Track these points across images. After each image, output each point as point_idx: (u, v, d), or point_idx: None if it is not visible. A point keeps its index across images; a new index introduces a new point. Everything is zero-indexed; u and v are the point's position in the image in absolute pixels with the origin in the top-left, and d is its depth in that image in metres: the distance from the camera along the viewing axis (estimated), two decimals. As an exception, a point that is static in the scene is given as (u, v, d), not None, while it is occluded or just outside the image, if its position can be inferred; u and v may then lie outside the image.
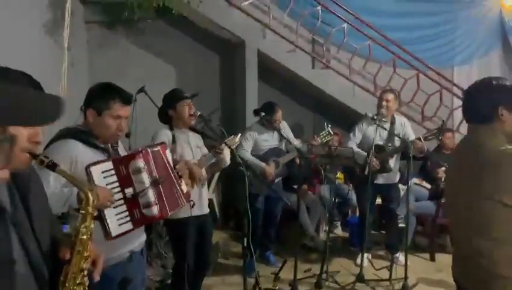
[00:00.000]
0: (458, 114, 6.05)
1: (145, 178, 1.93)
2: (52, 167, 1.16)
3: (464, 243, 1.72)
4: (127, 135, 3.51)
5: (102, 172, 1.87)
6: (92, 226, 1.22)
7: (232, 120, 5.60)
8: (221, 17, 5.21)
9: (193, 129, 3.06)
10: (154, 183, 1.96)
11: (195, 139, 3.13)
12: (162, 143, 2.36)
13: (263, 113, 3.96)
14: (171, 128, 3.01)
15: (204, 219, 3.05)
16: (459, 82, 6.19)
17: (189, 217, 2.75)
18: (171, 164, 2.28)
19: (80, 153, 1.87)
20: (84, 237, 1.19)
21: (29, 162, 1.14)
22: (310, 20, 5.81)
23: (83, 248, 1.19)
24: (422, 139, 3.67)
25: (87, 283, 1.22)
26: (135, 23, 5.33)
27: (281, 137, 4.07)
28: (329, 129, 4.05)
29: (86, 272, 1.21)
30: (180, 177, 2.41)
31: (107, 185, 1.86)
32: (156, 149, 2.12)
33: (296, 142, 4.09)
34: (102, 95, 1.93)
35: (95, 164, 1.84)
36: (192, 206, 2.79)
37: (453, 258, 1.86)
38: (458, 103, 6.01)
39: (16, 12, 3.70)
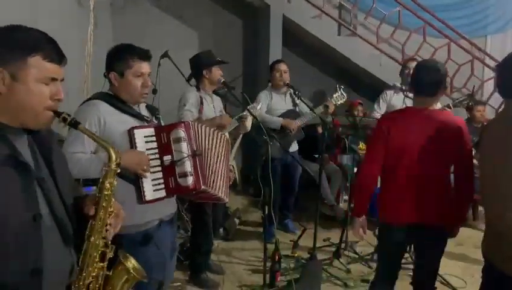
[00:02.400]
0: (489, 86, 5.84)
1: (184, 148, 1.95)
2: (75, 124, 1.17)
3: (499, 219, 1.68)
4: (154, 91, 3.50)
5: (145, 136, 1.91)
6: (115, 182, 1.24)
7: (255, 87, 5.52)
8: (245, -20, 5.06)
9: (216, 93, 3.08)
10: (193, 154, 1.98)
11: (218, 103, 3.25)
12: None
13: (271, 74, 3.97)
14: (198, 89, 3.12)
15: None
16: (492, 52, 5.92)
17: None
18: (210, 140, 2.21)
19: (108, 114, 1.87)
20: (108, 192, 1.22)
21: (52, 120, 1.16)
22: (338, -16, 5.60)
23: (107, 204, 1.22)
24: (451, 106, 3.55)
25: (110, 238, 1.26)
26: (158, -15, 5.24)
27: (294, 100, 4.01)
28: (342, 91, 3.94)
29: (109, 227, 1.24)
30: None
31: (147, 149, 1.90)
32: (196, 123, 2.14)
33: (306, 109, 4.00)
34: (121, 56, 1.92)
35: (138, 127, 1.89)
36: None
37: (485, 234, 1.82)
38: (490, 74, 5.78)
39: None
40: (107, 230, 1.23)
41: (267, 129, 2.73)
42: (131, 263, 1.29)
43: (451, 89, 5.70)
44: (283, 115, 3.99)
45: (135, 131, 1.87)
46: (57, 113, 1.14)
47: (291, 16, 5.15)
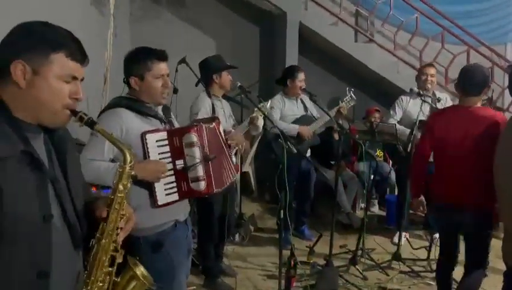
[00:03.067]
0: (510, 93, 5.73)
1: (197, 153, 1.94)
2: (91, 124, 1.15)
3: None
4: (175, 91, 3.52)
5: (157, 141, 1.90)
6: (129, 185, 1.23)
7: (271, 94, 5.54)
8: (262, -12, 5.12)
9: (227, 97, 3.10)
10: (205, 159, 1.97)
11: (228, 108, 3.25)
12: (216, 119, 2.37)
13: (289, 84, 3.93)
14: (209, 95, 3.10)
15: (230, 185, 3.14)
16: (512, 59, 5.83)
17: None
18: (224, 140, 2.28)
19: (129, 121, 1.87)
20: (122, 194, 1.20)
21: (69, 119, 1.15)
22: (354, -8, 5.60)
23: (120, 206, 1.20)
24: None
25: (120, 242, 1.23)
26: (177, -5, 5.34)
27: (305, 106, 4.01)
28: (352, 94, 3.92)
29: (119, 231, 1.22)
30: (231, 148, 2.42)
31: (159, 154, 1.90)
32: (211, 126, 2.12)
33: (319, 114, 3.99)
34: (139, 59, 1.93)
35: (151, 132, 1.87)
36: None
37: (504, 239, 1.79)
38: (511, 81, 5.67)
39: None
40: (117, 234, 1.21)
41: (282, 132, 2.72)
42: (140, 270, 1.27)
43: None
44: (297, 121, 3.97)
45: (147, 136, 1.86)
46: (74, 112, 1.13)
47: (307, 23, 5.18)
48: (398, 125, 3.73)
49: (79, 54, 1.12)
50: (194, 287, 3.18)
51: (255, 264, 3.66)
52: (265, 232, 4.42)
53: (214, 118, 2.30)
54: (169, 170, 1.91)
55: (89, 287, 1.17)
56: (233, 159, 2.36)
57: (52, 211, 1.10)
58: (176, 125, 2.14)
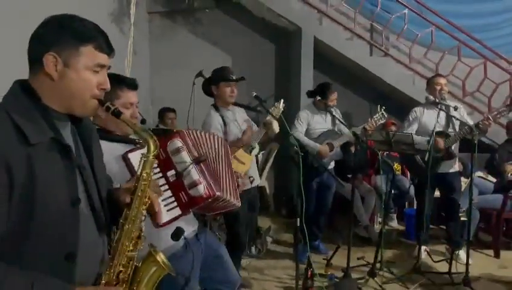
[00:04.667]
0: (530, 105, 5.63)
1: (185, 157, 1.83)
2: (118, 114, 1.20)
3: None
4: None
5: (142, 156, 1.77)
6: (152, 173, 1.26)
7: (287, 108, 5.59)
8: (278, 5, 5.21)
9: (237, 104, 3.09)
10: (196, 161, 1.85)
11: (241, 113, 3.20)
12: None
13: (318, 97, 3.93)
14: (216, 109, 3.09)
15: (254, 192, 3.20)
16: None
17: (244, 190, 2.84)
18: (217, 143, 2.13)
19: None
20: (145, 182, 1.23)
21: (97, 108, 1.20)
22: (368, 7, 5.66)
23: (143, 193, 1.22)
24: (490, 118, 3.44)
25: (143, 228, 1.26)
26: (194, 13, 5.49)
27: (334, 120, 4.01)
28: (383, 112, 3.93)
29: (143, 218, 1.25)
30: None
31: None
32: (193, 130, 2.02)
33: (347, 130, 3.99)
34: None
35: (131, 151, 1.72)
36: (252, 182, 2.88)
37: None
38: (530, 93, 5.59)
39: (85, 2, 3.93)
40: (141, 220, 1.24)
41: (298, 140, 2.73)
42: (161, 256, 1.29)
43: (490, 109, 5.54)
44: (323, 135, 3.99)
45: (129, 155, 1.70)
46: (101, 102, 1.18)
47: (323, 38, 5.24)
48: (415, 136, 3.70)
49: (106, 46, 1.17)
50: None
51: (272, 277, 3.62)
52: (281, 245, 4.39)
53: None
54: (163, 184, 1.78)
55: (112, 270, 1.19)
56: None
57: (80, 195, 1.14)
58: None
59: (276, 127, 3.06)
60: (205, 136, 2.06)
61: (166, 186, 1.79)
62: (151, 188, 1.27)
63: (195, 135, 1.99)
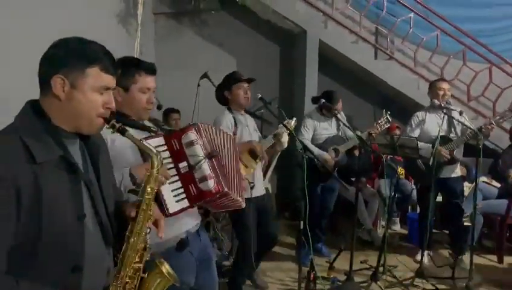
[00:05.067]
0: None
1: (199, 150, 1.83)
2: (122, 131, 1.23)
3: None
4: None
5: (155, 147, 1.69)
6: (156, 188, 1.29)
7: (291, 111, 5.59)
8: (284, 7, 5.23)
9: (248, 112, 3.08)
10: (209, 156, 1.86)
11: (252, 122, 3.20)
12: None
13: (323, 100, 3.92)
14: (230, 111, 3.08)
15: (263, 198, 3.14)
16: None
17: (249, 199, 2.80)
18: (228, 140, 2.11)
19: (113, 135, 1.65)
20: (149, 196, 1.26)
21: (103, 126, 1.24)
22: (374, 11, 5.67)
23: (147, 207, 1.26)
24: (493, 122, 3.43)
25: (148, 242, 1.29)
26: (199, 15, 5.50)
27: (339, 125, 4.01)
28: (388, 116, 3.93)
29: (148, 231, 1.28)
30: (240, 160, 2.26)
31: None
32: (207, 125, 2.00)
33: (352, 135, 3.98)
34: (126, 70, 1.81)
35: (146, 138, 1.67)
36: (252, 188, 2.85)
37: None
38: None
39: (92, 3, 3.96)
40: (146, 233, 1.27)
41: (305, 147, 2.72)
42: (166, 267, 1.32)
43: (494, 114, 5.53)
44: (329, 140, 3.99)
45: (145, 143, 1.72)
46: (107, 120, 1.22)
47: (327, 41, 5.25)
48: (420, 143, 3.68)
49: (111, 67, 1.22)
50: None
51: (274, 279, 3.62)
52: (284, 248, 4.38)
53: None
54: (174, 175, 1.79)
55: (118, 282, 1.22)
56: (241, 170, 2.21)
57: (85, 210, 1.18)
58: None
59: (285, 140, 3.05)
60: (218, 132, 2.06)
61: (177, 177, 1.80)
62: (160, 173, 1.30)
63: (209, 130, 2.00)
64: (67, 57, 1.16)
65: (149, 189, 1.26)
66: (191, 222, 1.95)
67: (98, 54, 1.19)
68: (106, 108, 1.21)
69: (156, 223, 1.36)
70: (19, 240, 1.06)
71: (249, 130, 3.15)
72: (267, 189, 5.28)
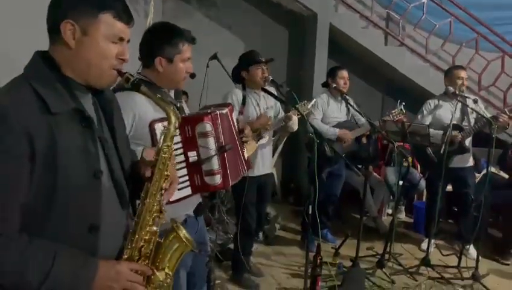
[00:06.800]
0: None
1: (211, 143, 1.77)
2: (137, 85, 1.16)
3: None
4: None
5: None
6: (173, 146, 1.22)
7: (299, 96, 5.52)
8: (294, -10, 5.13)
9: (265, 90, 3.04)
10: (220, 150, 1.79)
11: (266, 100, 3.13)
12: (229, 104, 2.12)
13: (333, 84, 3.87)
14: (244, 88, 3.05)
15: (265, 178, 3.16)
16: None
17: (253, 176, 2.81)
18: (237, 129, 2.06)
19: (142, 106, 1.68)
20: (166, 155, 1.19)
21: (116, 79, 1.16)
22: (386, -4, 5.56)
23: (164, 167, 1.19)
24: (507, 112, 3.37)
25: (164, 203, 1.23)
26: (208, -5, 5.41)
27: (349, 110, 3.96)
28: (402, 107, 3.87)
29: (163, 191, 1.22)
30: (244, 143, 2.18)
31: None
32: (224, 112, 1.90)
33: (363, 120, 3.92)
34: (171, 39, 1.77)
35: (159, 120, 1.66)
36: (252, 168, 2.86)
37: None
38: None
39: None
40: (161, 194, 1.21)
41: (315, 129, 2.67)
42: (183, 232, 1.26)
43: (505, 104, 5.46)
44: (339, 126, 3.91)
45: (156, 125, 1.66)
46: (121, 73, 1.14)
47: (338, 25, 5.15)
48: (431, 129, 3.63)
49: (125, 15, 1.13)
50: (219, 281, 3.16)
51: (279, 263, 3.62)
52: (288, 233, 4.38)
53: (227, 104, 2.07)
54: (181, 162, 1.74)
55: (133, 245, 1.17)
56: (245, 152, 2.12)
57: (102, 167, 1.12)
58: (187, 111, 1.96)
59: (295, 123, 3.01)
60: (230, 118, 1.97)
61: (184, 164, 1.75)
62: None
63: (224, 119, 1.89)
64: (78, 1, 1.08)
65: (165, 147, 1.19)
66: (191, 206, 1.91)
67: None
68: (120, 59, 1.13)
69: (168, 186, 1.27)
70: (33, 198, 1.01)
71: (260, 109, 3.10)
72: (271, 174, 5.29)
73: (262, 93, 3.07)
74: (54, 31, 1.09)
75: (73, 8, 1.07)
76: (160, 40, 1.78)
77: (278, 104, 3.23)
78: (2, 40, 2.47)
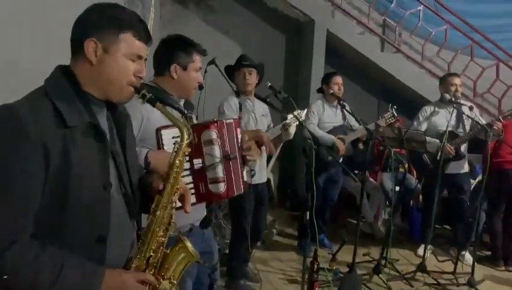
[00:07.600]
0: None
1: (217, 151, 1.79)
2: (153, 101, 1.20)
3: None
4: (200, 87, 3.44)
5: (173, 137, 1.72)
6: (184, 161, 1.26)
7: (295, 101, 5.54)
8: (292, -4, 5.17)
9: (259, 97, 3.05)
10: (225, 158, 1.81)
11: (261, 108, 3.14)
12: (235, 119, 2.16)
13: (328, 90, 3.90)
14: (237, 95, 3.04)
15: (262, 187, 3.16)
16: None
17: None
18: (240, 143, 2.02)
19: (151, 111, 1.70)
20: (177, 169, 1.23)
21: (133, 95, 1.20)
22: (383, 2, 5.61)
23: (175, 180, 1.23)
24: (501, 119, 3.41)
25: (173, 214, 1.26)
26: (206, 0, 5.42)
27: (344, 115, 3.98)
28: (394, 111, 3.89)
29: (174, 204, 1.25)
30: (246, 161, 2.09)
31: None
32: (229, 121, 1.92)
33: (358, 126, 3.94)
34: (186, 48, 1.86)
35: (166, 127, 1.70)
36: (253, 176, 2.84)
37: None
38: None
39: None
40: (172, 207, 1.24)
41: (313, 135, 2.68)
42: (189, 244, 1.29)
43: (499, 111, 5.51)
44: (334, 130, 3.94)
45: (162, 131, 1.71)
46: (137, 90, 1.19)
47: (335, 31, 5.19)
48: (427, 137, 3.64)
49: (145, 35, 1.19)
50: (215, 286, 3.15)
51: (276, 268, 3.62)
52: (285, 238, 4.38)
53: (233, 119, 2.09)
54: (186, 169, 1.75)
55: (142, 255, 1.20)
56: (244, 172, 2.04)
57: (111, 180, 1.16)
58: (195, 122, 2.00)
59: (292, 131, 3.02)
60: (236, 131, 1.96)
61: (189, 172, 1.78)
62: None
63: (229, 128, 1.90)
64: (101, 21, 1.14)
65: (177, 162, 1.23)
66: (197, 215, 1.91)
67: (132, 20, 1.17)
68: (137, 76, 1.19)
69: (182, 199, 1.31)
70: (46, 205, 1.05)
71: (255, 116, 3.12)
72: (268, 179, 5.29)
73: (256, 100, 3.08)
74: (77, 47, 1.15)
75: (97, 27, 1.13)
76: (176, 48, 1.87)
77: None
78: (2, 42, 2.47)
